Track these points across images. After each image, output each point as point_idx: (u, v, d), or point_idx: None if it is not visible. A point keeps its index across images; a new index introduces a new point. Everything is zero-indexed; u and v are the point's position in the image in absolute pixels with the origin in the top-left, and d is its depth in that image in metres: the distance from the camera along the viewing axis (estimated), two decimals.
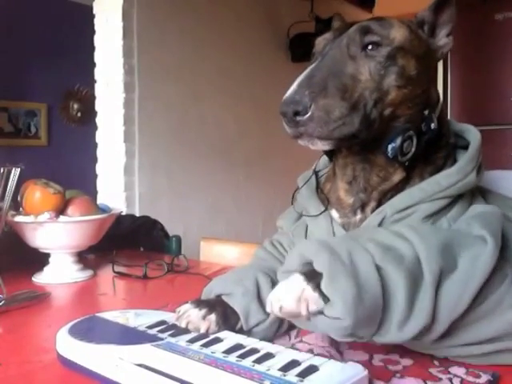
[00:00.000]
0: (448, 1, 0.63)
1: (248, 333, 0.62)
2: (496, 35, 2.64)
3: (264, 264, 0.72)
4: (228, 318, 0.62)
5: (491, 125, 2.62)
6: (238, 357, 0.50)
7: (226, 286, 0.66)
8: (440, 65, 2.74)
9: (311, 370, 0.47)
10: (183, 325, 0.60)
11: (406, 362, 0.57)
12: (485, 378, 0.53)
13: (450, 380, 0.52)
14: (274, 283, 0.65)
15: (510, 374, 0.54)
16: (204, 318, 0.61)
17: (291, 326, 0.66)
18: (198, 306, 0.62)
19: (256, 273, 0.66)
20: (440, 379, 0.52)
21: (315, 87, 0.56)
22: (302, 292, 0.50)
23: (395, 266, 0.51)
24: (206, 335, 0.57)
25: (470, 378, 0.53)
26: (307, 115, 0.55)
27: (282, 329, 0.66)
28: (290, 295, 0.51)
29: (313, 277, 0.51)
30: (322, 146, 0.59)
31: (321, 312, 0.50)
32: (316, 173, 0.76)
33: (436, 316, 0.51)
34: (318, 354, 0.51)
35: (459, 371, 0.54)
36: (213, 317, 0.61)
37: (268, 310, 0.53)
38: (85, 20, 2.72)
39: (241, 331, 0.62)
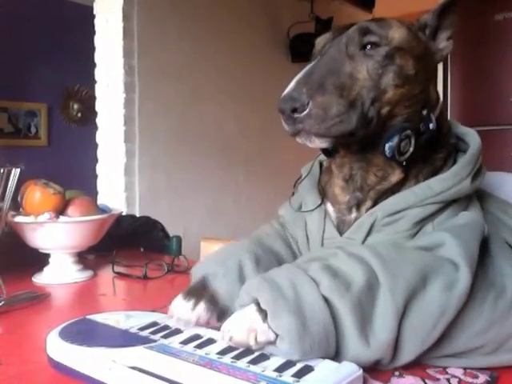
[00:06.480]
0: (453, 7, 0.63)
1: None
2: (496, 35, 2.64)
3: (259, 240, 0.71)
4: (217, 300, 0.62)
5: (491, 125, 2.62)
6: (232, 358, 0.50)
7: (209, 267, 0.65)
8: (440, 65, 2.74)
9: (306, 370, 0.48)
10: (174, 323, 0.60)
11: None
12: (482, 378, 0.53)
13: (448, 380, 0.52)
14: (259, 261, 0.65)
15: (507, 374, 0.54)
16: (193, 309, 0.61)
17: None
18: (186, 297, 0.62)
19: (239, 252, 0.66)
20: (438, 379, 0.52)
21: (313, 85, 0.56)
22: (252, 323, 0.50)
23: (340, 294, 0.50)
24: (198, 336, 0.57)
25: (468, 379, 0.52)
26: (305, 112, 0.55)
27: None
28: (239, 325, 0.51)
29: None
30: (320, 143, 0.59)
31: (273, 342, 0.50)
32: (320, 163, 0.75)
33: (400, 345, 0.51)
34: None
35: (457, 372, 0.54)
36: (201, 306, 0.61)
37: (220, 338, 0.53)
38: (85, 20, 2.72)
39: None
